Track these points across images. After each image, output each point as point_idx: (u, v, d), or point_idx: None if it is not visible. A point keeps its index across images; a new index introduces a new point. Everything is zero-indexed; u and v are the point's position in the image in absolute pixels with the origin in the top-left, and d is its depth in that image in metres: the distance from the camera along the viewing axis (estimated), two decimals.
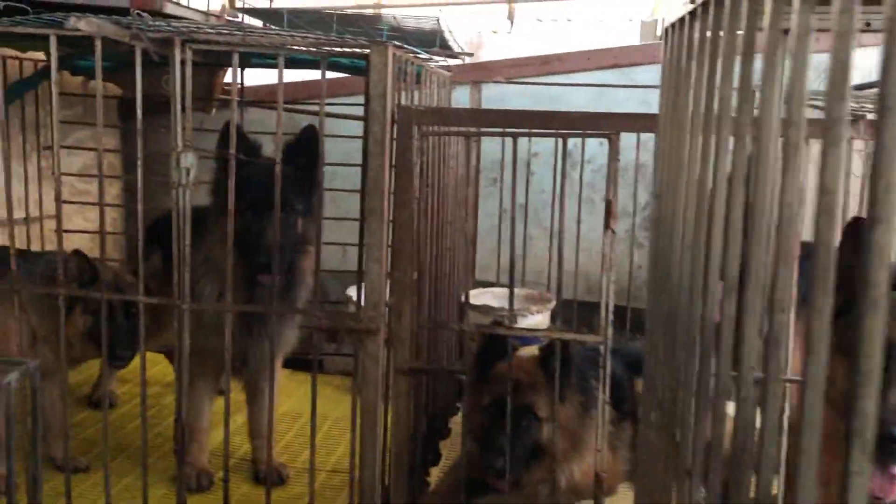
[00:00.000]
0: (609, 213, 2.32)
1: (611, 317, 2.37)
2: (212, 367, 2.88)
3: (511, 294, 2.67)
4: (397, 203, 2.41)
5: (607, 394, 2.43)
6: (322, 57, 2.38)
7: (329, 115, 2.79)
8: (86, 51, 3.27)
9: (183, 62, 2.41)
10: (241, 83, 4.08)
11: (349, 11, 3.27)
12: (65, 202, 2.91)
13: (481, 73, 4.61)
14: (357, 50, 2.36)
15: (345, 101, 4.36)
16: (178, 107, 2.41)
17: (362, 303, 2.37)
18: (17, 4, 2.46)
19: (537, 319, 3.70)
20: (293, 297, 2.82)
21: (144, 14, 2.60)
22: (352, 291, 3.79)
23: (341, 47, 2.40)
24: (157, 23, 2.68)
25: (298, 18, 3.06)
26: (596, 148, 4.40)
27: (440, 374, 2.98)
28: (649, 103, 4.64)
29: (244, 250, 2.63)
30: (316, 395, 2.44)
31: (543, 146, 3.98)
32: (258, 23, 3.87)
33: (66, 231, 4.19)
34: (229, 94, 4.77)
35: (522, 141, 2.77)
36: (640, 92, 4.57)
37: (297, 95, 4.88)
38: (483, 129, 2.36)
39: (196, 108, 4.69)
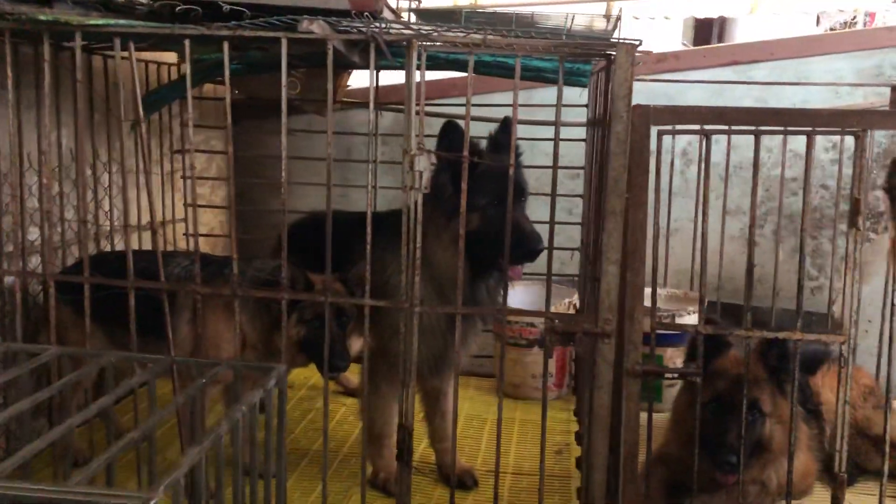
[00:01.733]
0: (856, 210, 2.30)
1: (854, 317, 2.36)
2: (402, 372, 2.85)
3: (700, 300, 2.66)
4: (632, 203, 2.39)
5: (847, 392, 2.41)
6: (561, 58, 2.36)
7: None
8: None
9: (419, 63, 2.37)
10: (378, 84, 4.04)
11: (526, 10, 3.24)
12: (195, 206, 2.92)
13: None
14: (601, 51, 2.33)
15: (453, 101, 4.37)
16: (413, 108, 2.38)
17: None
18: (237, 7, 2.43)
19: (692, 319, 3.69)
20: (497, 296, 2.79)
21: (366, 16, 2.57)
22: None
23: (576, 48, 2.38)
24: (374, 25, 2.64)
25: (474, 19, 3.03)
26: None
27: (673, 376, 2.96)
28: (765, 100, 4.65)
29: (481, 247, 2.59)
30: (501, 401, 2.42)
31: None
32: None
33: (200, 235, 4.22)
34: (350, 95, 4.81)
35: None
36: (756, 89, 4.56)
37: (392, 97, 4.86)
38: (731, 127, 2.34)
39: (311, 111, 4.70)
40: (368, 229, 2.46)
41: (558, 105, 2.37)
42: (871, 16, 8.59)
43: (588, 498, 2.51)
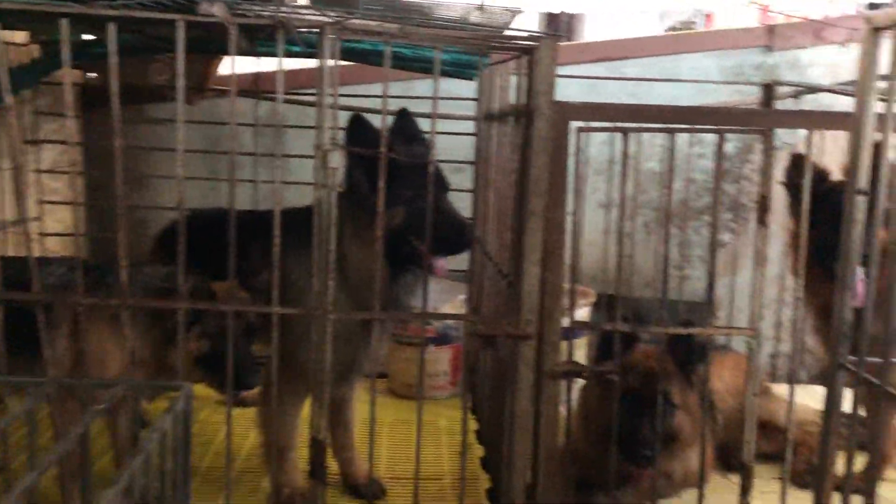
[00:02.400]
0: (763, 208, 2.37)
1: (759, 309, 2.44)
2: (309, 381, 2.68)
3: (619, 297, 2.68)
4: (551, 203, 2.35)
5: (757, 385, 2.50)
6: (482, 52, 2.28)
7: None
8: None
9: (332, 52, 2.21)
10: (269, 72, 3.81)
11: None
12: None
13: None
14: (521, 43, 2.27)
15: (303, 91, 4.19)
16: (325, 100, 2.21)
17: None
18: None
19: (582, 313, 3.74)
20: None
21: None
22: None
23: (497, 40, 2.30)
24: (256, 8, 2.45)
25: (371, 6, 2.89)
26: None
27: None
28: (638, 96, 4.79)
29: (408, 243, 2.46)
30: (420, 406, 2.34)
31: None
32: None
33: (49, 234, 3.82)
34: (221, 83, 4.50)
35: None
36: (629, 86, 4.68)
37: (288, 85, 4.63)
38: (642, 125, 2.34)
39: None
40: (276, 231, 2.28)
41: (482, 98, 2.29)
42: (709, 17, 9.11)
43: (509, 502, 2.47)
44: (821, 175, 2.54)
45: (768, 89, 3.72)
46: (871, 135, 2.03)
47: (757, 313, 2.44)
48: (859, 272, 2.63)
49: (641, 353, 2.77)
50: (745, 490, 2.54)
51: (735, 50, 4.76)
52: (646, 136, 2.56)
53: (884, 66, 2.00)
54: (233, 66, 2.30)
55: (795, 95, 4.00)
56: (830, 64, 4.72)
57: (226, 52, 3.80)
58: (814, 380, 4.40)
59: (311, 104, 4.18)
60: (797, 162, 2.58)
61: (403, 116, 2.65)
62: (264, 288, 2.56)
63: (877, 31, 1.96)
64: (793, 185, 2.62)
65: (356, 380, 2.83)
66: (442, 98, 3.41)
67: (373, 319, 2.38)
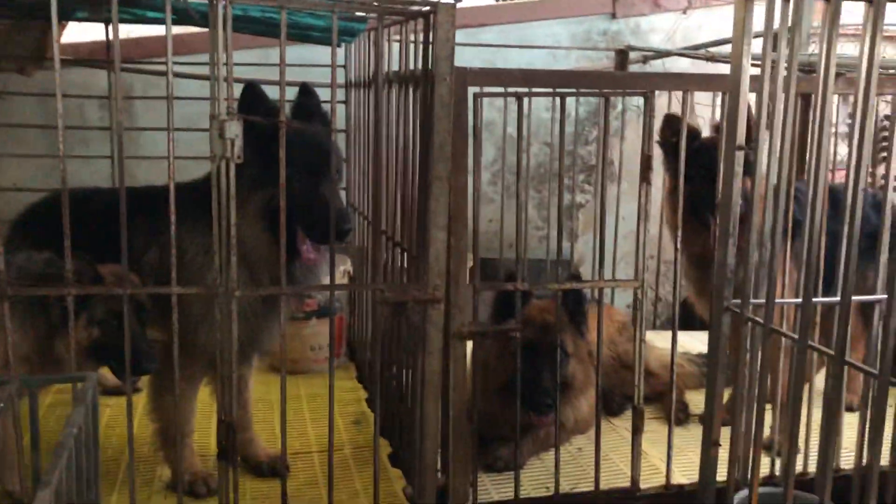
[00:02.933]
0: (647, 167, 2.52)
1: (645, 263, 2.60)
2: (206, 363, 2.58)
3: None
4: (454, 168, 2.38)
5: (643, 332, 2.67)
6: (380, 14, 2.25)
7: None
8: None
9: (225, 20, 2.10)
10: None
11: None
12: None
13: None
14: (418, 8, 2.26)
15: (183, 59, 4.00)
16: (221, 71, 2.11)
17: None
18: None
19: None
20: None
21: None
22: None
23: (394, 5, 2.28)
24: None
25: None
26: None
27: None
28: (493, 62, 4.90)
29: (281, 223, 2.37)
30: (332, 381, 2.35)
31: None
32: None
33: None
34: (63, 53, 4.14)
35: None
36: (485, 52, 4.78)
37: (130, 54, 4.36)
38: (534, 90, 2.41)
39: (12, 69, 4.00)
40: (172, 206, 2.16)
41: (379, 62, 2.26)
42: None
43: (422, 466, 2.51)
44: (693, 133, 2.73)
45: (622, 54, 3.92)
46: (746, 94, 2.21)
47: (643, 265, 2.61)
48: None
49: (536, 308, 2.88)
50: (636, 430, 2.72)
51: (584, 17, 4.97)
52: (508, 100, 2.57)
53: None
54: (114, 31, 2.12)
55: (644, 60, 4.24)
56: (668, 30, 5.03)
57: (68, 18, 3.53)
58: (665, 325, 4.77)
59: (159, 73, 3.99)
60: (670, 122, 2.76)
61: (306, 93, 2.57)
62: (152, 268, 2.44)
63: None
64: (667, 144, 2.80)
65: (254, 359, 2.76)
66: (304, 66, 3.34)
67: (276, 296, 2.31)
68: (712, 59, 3.61)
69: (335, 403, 3.42)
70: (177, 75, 2.19)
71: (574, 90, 2.45)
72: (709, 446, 2.49)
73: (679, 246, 2.71)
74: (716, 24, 4.89)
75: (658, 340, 3.90)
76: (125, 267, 2.19)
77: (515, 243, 2.60)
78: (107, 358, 2.32)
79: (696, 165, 2.64)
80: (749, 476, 2.17)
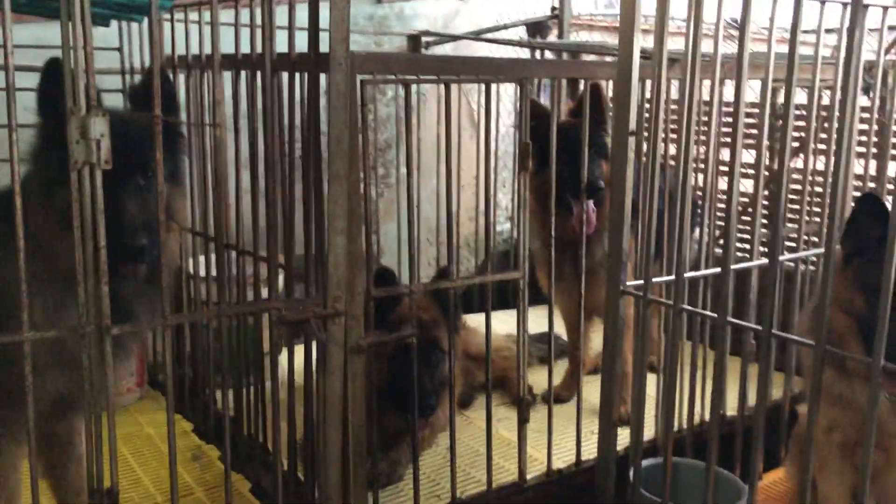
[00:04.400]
0: (525, 154, 2.48)
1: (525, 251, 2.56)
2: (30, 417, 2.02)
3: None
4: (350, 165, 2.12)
5: (526, 330, 2.64)
6: None
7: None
8: None
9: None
10: None
11: None
12: None
13: None
14: None
15: None
16: (81, 56, 1.65)
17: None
18: None
19: None
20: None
21: None
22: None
23: None
24: None
25: None
26: None
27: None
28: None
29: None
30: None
31: None
32: None
33: None
34: None
35: None
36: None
37: None
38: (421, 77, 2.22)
39: None
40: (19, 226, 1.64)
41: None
42: None
43: (323, 498, 2.24)
44: (546, 117, 2.71)
45: (415, 39, 3.85)
46: (637, 80, 2.26)
47: (523, 253, 2.57)
48: (590, 203, 2.94)
49: (406, 306, 2.71)
50: (522, 421, 2.69)
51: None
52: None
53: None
54: None
55: (426, 46, 4.21)
56: (431, 17, 5.04)
57: None
58: None
59: None
60: (534, 108, 2.72)
61: (161, 75, 2.10)
62: None
63: None
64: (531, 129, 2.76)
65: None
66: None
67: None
68: (530, 45, 3.59)
69: (160, 441, 3.00)
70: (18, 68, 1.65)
71: (456, 77, 2.32)
72: (608, 426, 2.56)
73: (529, 226, 2.64)
74: (473, 11, 5.02)
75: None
76: None
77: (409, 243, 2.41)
78: None
79: (556, 150, 2.63)
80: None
